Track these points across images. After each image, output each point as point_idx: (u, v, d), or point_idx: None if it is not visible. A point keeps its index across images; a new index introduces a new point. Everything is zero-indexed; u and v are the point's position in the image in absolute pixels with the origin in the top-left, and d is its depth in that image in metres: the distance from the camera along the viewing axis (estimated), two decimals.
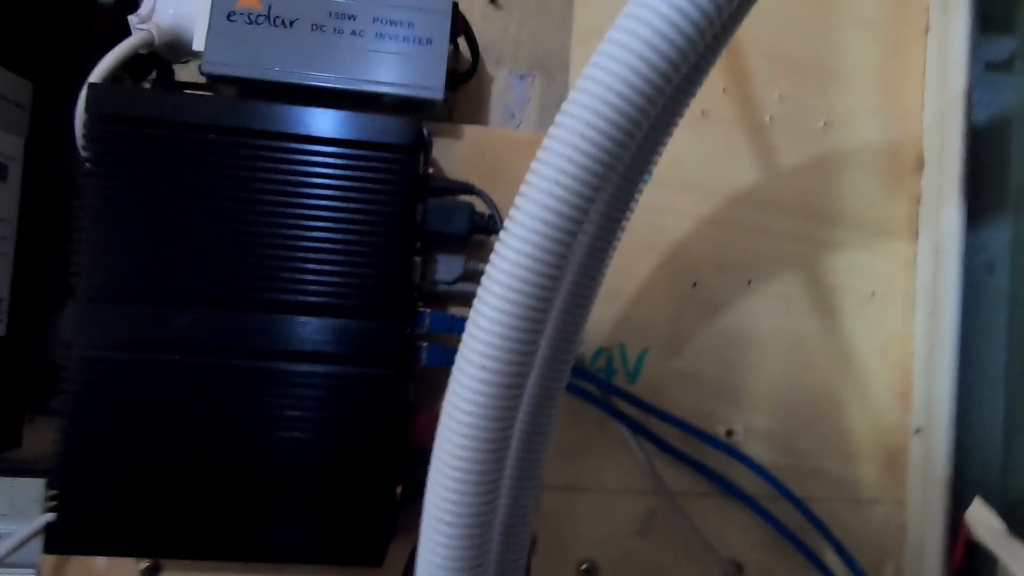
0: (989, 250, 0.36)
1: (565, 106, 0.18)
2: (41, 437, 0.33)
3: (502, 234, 0.19)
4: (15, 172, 0.30)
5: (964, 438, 0.34)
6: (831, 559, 0.34)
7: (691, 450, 0.34)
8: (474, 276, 0.32)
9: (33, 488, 0.32)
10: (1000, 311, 0.35)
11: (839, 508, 0.35)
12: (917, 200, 0.37)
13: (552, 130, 0.18)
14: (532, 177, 0.18)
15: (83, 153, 0.27)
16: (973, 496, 0.32)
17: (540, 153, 0.18)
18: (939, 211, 0.35)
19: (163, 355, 0.26)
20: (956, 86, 0.35)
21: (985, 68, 0.36)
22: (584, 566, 0.34)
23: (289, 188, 0.27)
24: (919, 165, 0.37)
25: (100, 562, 0.33)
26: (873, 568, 0.35)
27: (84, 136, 0.27)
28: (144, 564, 0.31)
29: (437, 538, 0.19)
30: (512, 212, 0.19)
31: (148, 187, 0.27)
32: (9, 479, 0.32)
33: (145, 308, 0.26)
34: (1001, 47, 0.36)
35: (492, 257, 0.19)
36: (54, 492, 0.26)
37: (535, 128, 0.38)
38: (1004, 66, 0.36)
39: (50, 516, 0.26)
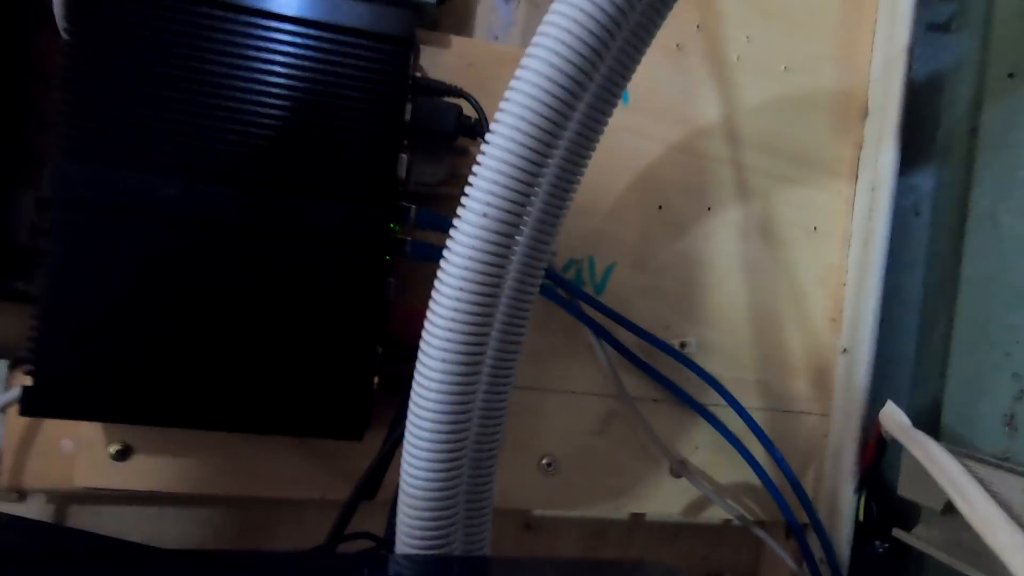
0: (916, 194, 0.40)
1: (547, 18, 0.19)
2: (3, 322, 0.33)
3: (490, 131, 0.20)
4: None
5: (882, 357, 0.38)
6: (764, 463, 0.38)
7: (648, 359, 0.37)
8: (456, 181, 0.34)
9: None
10: (920, 248, 0.40)
11: (775, 418, 0.39)
12: (860, 145, 0.41)
13: (535, 39, 0.19)
14: (519, 76, 0.20)
15: (61, 20, 0.27)
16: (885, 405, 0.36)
17: (525, 60, 0.20)
18: (878, 154, 0.39)
19: (146, 221, 0.26)
20: (901, 41, 0.38)
21: (927, 28, 0.40)
22: (545, 460, 0.36)
23: (280, 68, 0.27)
24: (864, 112, 0.41)
25: (66, 445, 0.33)
26: (799, 471, 0.39)
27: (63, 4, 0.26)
28: (115, 447, 0.31)
29: (420, 433, 0.20)
30: (498, 114, 0.20)
31: (134, 53, 0.26)
32: None
33: (129, 174, 0.26)
34: (941, 11, 0.40)
35: (480, 156, 0.20)
36: (32, 349, 0.26)
37: None
38: (942, 28, 0.40)
39: (26, 383, 0.26)
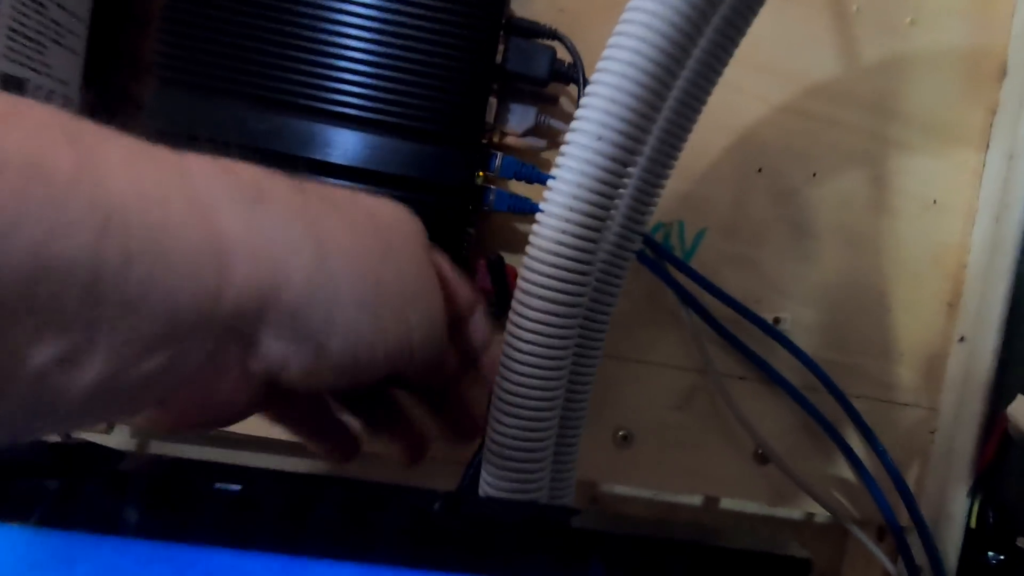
0: None
1: None
2: None
3: (611, 47, 0.18)
4: None
5: (1008, 347, 0.34)
6: (862, 455, 0.35)
7: (737, 333, 0.34)
8: (544, 131, 0.32)
9: None
10: None
11: (873, 407, 0.36)
12: (993, 110, 0.36)
13: None
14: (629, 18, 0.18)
15: None
16: (1008, 403, 0.32)
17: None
18: (1019, 120, 0.34)
19: (239, 155, 0.26)
20: None
21: None
22: (621, 433, 0.34)
23: (375, 2, 0.26)
24: (1001, 73, 0.36)
25: None
26: (900, 468, 0.36)
27: None
28: None
29: (513, 387, 0.19)
30: (616, 36, 0.18)
31: None
32: None
33: (223, 106, 0.26)
34: None
35: (596, 74, 0.18)
36: None
37: None
38: None
39: None
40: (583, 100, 0.18)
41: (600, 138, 0.17)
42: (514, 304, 0.19)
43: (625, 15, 0.18)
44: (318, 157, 0.27)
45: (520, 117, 0.31)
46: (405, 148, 0.27)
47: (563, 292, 0.18)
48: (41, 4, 0.26)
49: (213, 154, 0.25)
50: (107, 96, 0.32)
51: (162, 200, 0.12)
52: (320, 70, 0.26)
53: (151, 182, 0.12)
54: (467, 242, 0.30)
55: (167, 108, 0.26)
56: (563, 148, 0.18)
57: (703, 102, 0.21)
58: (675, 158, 0.21)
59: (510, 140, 0.31)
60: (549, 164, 0.33)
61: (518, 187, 0.31)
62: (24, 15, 0.25)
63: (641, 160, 0.19)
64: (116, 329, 0.12)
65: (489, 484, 0.19)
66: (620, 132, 0.17)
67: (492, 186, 0.30)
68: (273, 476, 0.16)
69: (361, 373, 0.16)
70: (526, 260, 0.19)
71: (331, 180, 0.27)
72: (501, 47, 0.29)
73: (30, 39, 0.26)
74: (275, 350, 0.14)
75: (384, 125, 0.27)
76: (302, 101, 0.26)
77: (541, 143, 0.32)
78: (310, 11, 0.26)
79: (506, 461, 0.19)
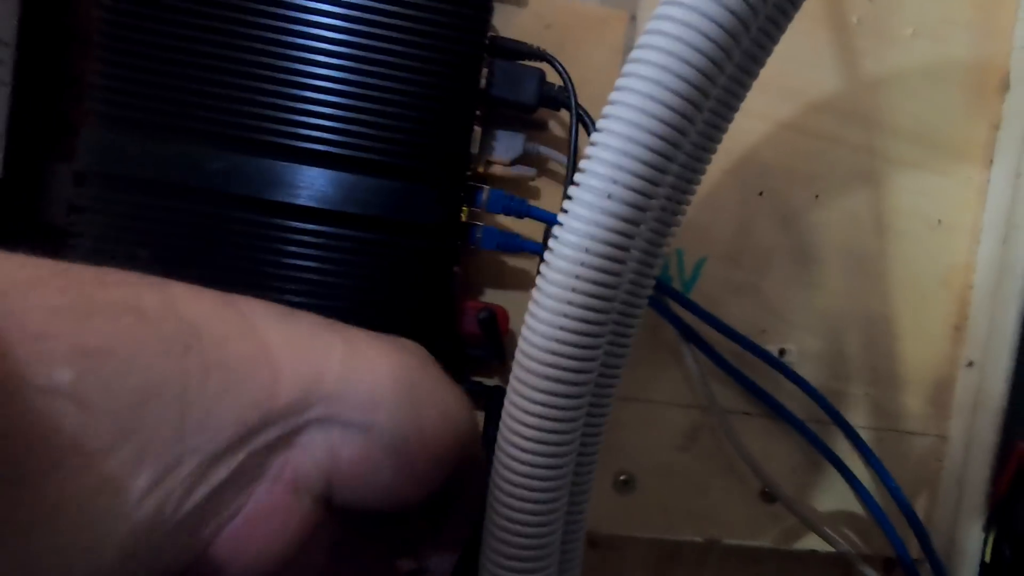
0: None
1: None
2: None
3: (621, 89, 0.16)
4: None
5: (1019, 372, 0.33)
6: (869, 485, 0.33)
7: (740, 367, 0.32)
8: (533, 159, 0.29)
9: None
10: None
11: (880, 438, 0.34)
12: (996, 125, 0.35)
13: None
14: (662, 27, 0.15)
15: None
16: (1022, 430, 0.31)
17: (666, 9, 0.15)
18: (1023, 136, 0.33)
19: (190, 201, 0.23)
20: None
21: None
22: (622, 477, 0.32)
23: (340, 23, 0.23)
24: (1003, 87, 0.35)
25: None
26: (908, 499, 0.34)
27: None
28: None
29: (517, 460, 0.17)
30: (630, 69, 0.15)
31: (176, 9, 0.23)
32: None
33: (171, 145, 0.23)
34: None
35: (603, 120, 0.16)
36: None
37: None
38: None
39: None
40: (589, 150, 0.16)
41: (610, 196, 0.15)
42: (517, 360, 0.17)
43: (640, 48, 0.16)
44: (283, 199, 0.24)
45: (507, 145, 0.28)
46: (382, 187, 0.24)
47: (576, 345, 0.16)
48: None
49: (163, 197, 0.23)
50: (42, 124, 0.29)
51: (222, 320, 0.14)
52: (284, 102, 0.23)
53: (210, 307, 0.14)
54: (453, 283, 0.28)
55: (105, 148, 0.23)
56: (566, 205, 0.16)
57: (720, 140, 0.19)
58: (689, 201, 0.19)
59: (496, 170, 0.29)
60: (539, 192, 0.31)
61: (508, 221, 0.29)
62: None
63: (653, 210, 0.17)
64: (198, 443, 0.13)
65: (489, 571, 0.17)
66: (632, 188, 0.15)
67: (479, 223, 0.27)
68: None
69: (419, 464, 0.16)
70: (531, 309, 0.16)
71: (299, 224, 0.24)
72: (484, 70, 0.26)
73: None
74: (322, 439, 0.14)
75: (357, 162, 0.24)
76: (263, 137, 0.23)
77: (530, 172, 0.29)
78: (271, 35, 0.23)
79: (511, 550, 0.17)
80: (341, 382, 0.15)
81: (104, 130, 0.23)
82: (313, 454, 0.14)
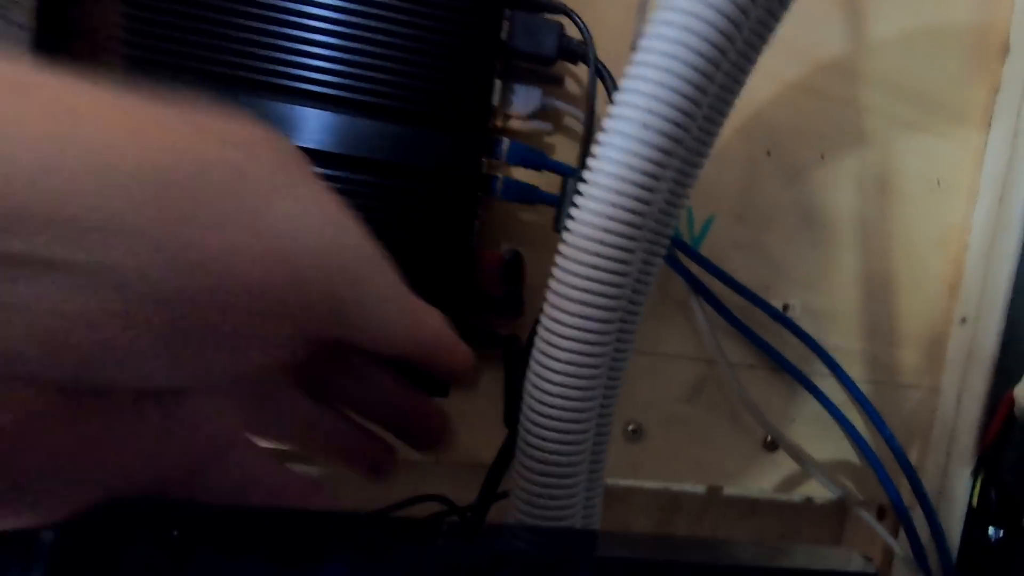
0: None
1: None
2: None
3: (643, 50, 0.16)
4: None
5: (1012, 327, 0.34)
6: (865, 433, 0.35)
7: (746, 320, 0.33)
8: (549, 114, 0.30)
9: None
10: None
11: (877, 391, 0.36)
12: (995, 89, 0.36)
13: None
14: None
15: None
16: (1011, 383, 0.32)
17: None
18: (1022, 98, 0.34)
19: None
20: None
21: None
22: (631, 427, 0.33)
23: None
24: (1004, 50, 0.35)
25: None
26: (902, 447, 0.36)
27: None
28: None
29: (547, 397, 0.17)
30: (661, 13, 0.16)
31: None
32: None
33: (195, 88, 0.23)
34: None
35: (638, 56, 0.16)
36: None
37: None
38: None
39: None
40: (625, 83, 0.16)
41: (646, 125, 0.16)
42: (547, 309, 0.17)
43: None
44: (310, 145, 0.24)
45: (525, 99, 0.29)
46: (405, 134, 0.25)
47: (604, 295, 0.17)
48: None
49: None
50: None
51: None
52: (314, 49, 0.24)
53: None
54: (473, 233, 0.28)
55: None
56: (601, 137, 0.17)
57: (744, 84, 0.19)
58: (712, 144, 0.20)
59: (514, 124, 0.29)
60: (554, 149, 0.31)
61: (524, 174, 0.29)
62: None
63: (682, 149, 0.18)
64: None
65: (522, 511, 0.18)
66: (668, 118, 0.16)
67: (498, 174, 0.28)
68: (263, 514, 0.14)
69: (209, 323, 0.10)
70: (561, 262, 0.17)
71: (325, 170, 0.24)
72: (505, 22, 0.26)
73: None
74: (25, 297, 0.08)
75: (382, 109, 0.24)
76: (286, 82, 0.24)
77: (547, 126, 0.30)
78: None
79: (540, 487, 0.18)
80: (42, 189, 0.08)
81: (132, 74, 0.23)
82: (15, 325, 0.09)
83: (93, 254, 0.09)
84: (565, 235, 0.17)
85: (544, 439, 0.17)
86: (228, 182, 0.10)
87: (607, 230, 0.16)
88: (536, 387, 0.18)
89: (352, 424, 0.18)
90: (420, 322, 0.15)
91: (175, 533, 0.12)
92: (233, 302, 0.10)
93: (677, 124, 0.16)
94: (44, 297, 0.09)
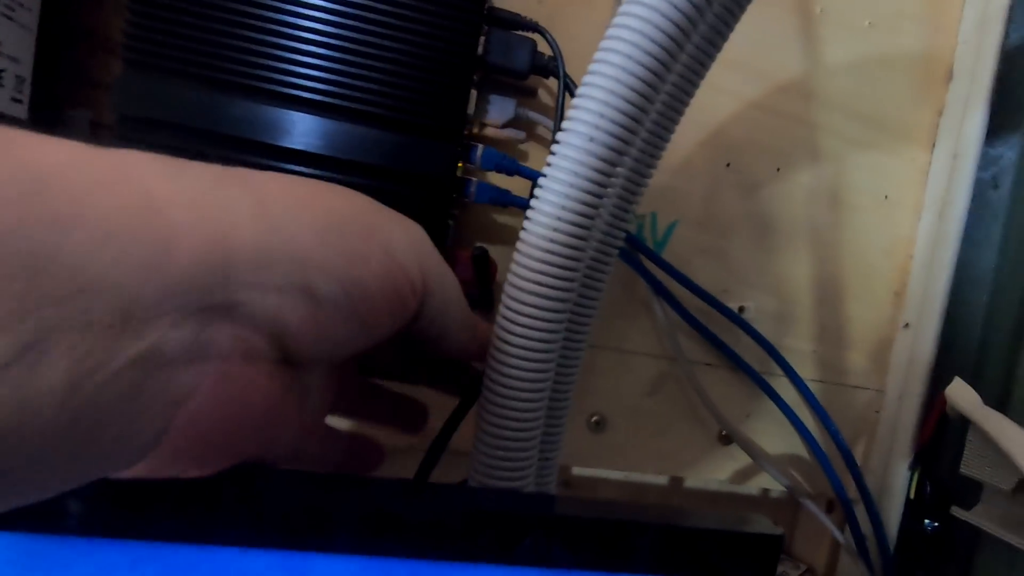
0: (997, 166, 0.38)
1: None
2: None
3: (604, 48, 0.18)
4: None
5: (947, 334, 0.37)
6: (815, 433, 0.37)
7: (705, 321, 0.36)
8: (522, 123, 0.32)
9: None
10: (997, 223, 0.38)
11: (827, 390, 0.38)
12: (940, 111, 0.38)
13: None
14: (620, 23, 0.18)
15: None
16: (947, 384, 0.35)
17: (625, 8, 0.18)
18: (963, 120, 0.37)
19: (209, 145, 0.25)
20: (999, 0, 0.36)
21: None
22: (595, 418, 0.35)
23: None
24: (948, 77, 0.38)
25: None
26: (849, 445, 0.38)
27: None
28: None
29: (506, 379, 0.19)
30: (609, 37, 0.18)
31: None
32: None
33: (194, 92, 0.25)
34: None
35: (588, 76, 0.18)
36: None
37: None
38: None
39: None
40: (575, 100, 0.18)
41: (592, 139, 0.18)
42: (504, 299, 0.20)
43: (619, 16, 0.19)
44: (298, 146, 0.26)
45: (500, 109, 0.31)
46: (388, 139, 0.27)
47: (553, 288, 0.19)
48: None
49: (183, 140, 0.24)
50: (60, 73, 0.30)
51: (84, 169, 0.11)
52: (301, 57, 0.26)
53: (67, 156, 0.11)
54: (448, 233, 0.30)
55: (133, 91, 0.25)
56: (555, 148, 0.19)
57: (688, 102, 0.21)
58: (659, 156, 0.22)
59: (489, 132, 0.31)
60: (527, 156, 0.34)
61: (497, 179, 0.32)
62: None
63: (628, 160, 0.20)
64: (66, 316, 0.10)
65: (479, 472, 0.20)
66: (612, 134, 0.18)
67: (473, 178, 0.30)
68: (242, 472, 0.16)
69: (367, 314, 0.15)
70: (517, 256, 0.19)
71: (310, 170, 0.26)
72: (482, 38, 0.28)
73: None
74: (262, 307, 0.13)
75: (367, 115, 0.26)
76: (280, 88, 0.26)
77: (520, 135, 0.32)
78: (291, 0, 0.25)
79: (496, 451, 0.20)
80: (259, 243, 0.13)
81: (133, 75, 0.25)
82: (256, 323, 0.13)
83: (307, 280, 0.14)
84: (521, 233, 0.19)
85: (503, 407, 0.19)
86: (364, 228, 0.16)
87: (556, 229, 0.18)
88: (494, 369, 0.20)
89: (389, 392, 0.24)
90: (475, 321, 0.20)
91: None
92: (373, 302, 0.15)
93: (621, 139, 0.18)
94: (298, 306, 0.14)
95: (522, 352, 0.19)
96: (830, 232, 0.38)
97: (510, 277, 0.20)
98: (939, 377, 0.36)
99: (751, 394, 0.37)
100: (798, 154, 0.37)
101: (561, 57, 0.29)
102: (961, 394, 0.32)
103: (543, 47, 0.30)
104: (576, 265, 0.19)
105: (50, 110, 0.29)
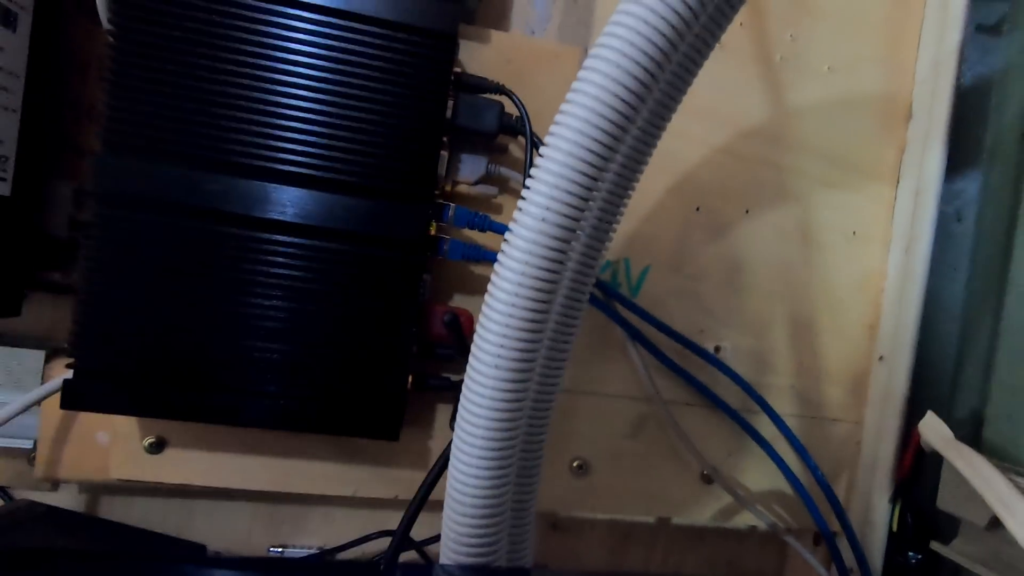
0: (960, 199, 0.39)
1: (615, 17, 0.19)
2: (39, 313, 0.33)
3: (552, 132, 0.19)
4: (24, 22, 0.28)
5: (921, 365, 0.38)
6: (796, 469, 0.38)
7: (682, 363, 0.36)
8: (494, 179, 0.33)
9: (32, 359, 0.31)
10: (963, 255, 0.39)
11: (806, 425, 0.39)
12: (902, 148, 0.40)
13: (603, 38, 0.19)
14: (587, 75, 0.19)
15: (105, 14, 0.26)
16: (922, 416, 0.36)
17: (592, 57, 0.19)
18: (923, 157, 0.38)
19: (188, 219, 0.26)
20: (951, 42, 0.37)
21: (976, 30, 0.39)
22: (577, 463, 0.36)
23: (325, 63, 0.27)
24: (908, 115, 0.40)
25: (101, 437, 0.33)
26: (830, 479, 0.39)
27: None
28: (150, 440, 0.31)
29: (472, 440, 0.20)
30: (560, 115, 0.19)
31: (177, 46, 0.26)
32: (8, 348, 0.31)
33: (171, 168, 0.26)
34: (992, 11, 0.39)
35: (539, 158, 0.19)
36: (73, 343, 0.26)
37: None
38: (992, 30, 0.39)
39: (66, 375, 0.26)
40: (528, 181, 0.19)
41: (544, 219, 0.19)
42: (473, 353, 0.20)
43: (573, 91, 0.19)
44: (275, 217, 0.27)
45: (471, 167, 0.32)
46: (361, 206, 0.27)
47: (521, 339, 0.19)
48: None
49: (162, 214, 0.25)
50: (46, 144, 0.31)
51: None
52: (277, 131, 0.27)
53: None
54: (423, 289, 0.31)
55: (114, 171, 0.26)
56: (511, 226, 0.20)
57: (645, 163, 0.22)
58: (620, 214, 0.23)
59: (462, 189, 0.32)
60: (500, 208, 0.34)
61: (472, 234, 0.32)
62: None
63: (586, 225, 0.21)
64: None
65: (449, 548, 0.20)
66: (562, 214, 0.19)
67: (446, 236, 0.31)
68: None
69: None
70: (484, 308, 0.20)
71: (287, 238, 0.27)
72: (451, 103, 0.30)
73: None
74: None
75: (339, 184, 0.27)
76: (257, 163, 0.27)
77: (493, 190, 0.33)
78: (261, 73, 0.26)
79: (467, 509, 0.20)
80: None
81: (111, 154, 0.26)
82: None
83: None
84: (486, 296, 0.20)
85: (465, 482, 0.20)
86: None
87: (518, 295, 0.19)
88: (459, 436, 0.20)
89: None
90: None
91: None
92: None
93: (573, 217, 0.19)
94: None
95: (490, 412, 0.20)
96: (801, 270, 0.38)
97: (478, 330, 0.20)
98: (915, 409, 0.37)
99: (731, 432, 0.38)
100: (766, 195, 0.38)
101: (528, 117, 0.31)
102: (933, 428, 0.33)
103: (510, 107, 0.31)
104: (543, 318, 0.19)
105: (33, 182, 0.30)
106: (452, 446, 0.21)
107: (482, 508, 0.20)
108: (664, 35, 0.18)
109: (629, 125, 0.19)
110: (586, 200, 0.19)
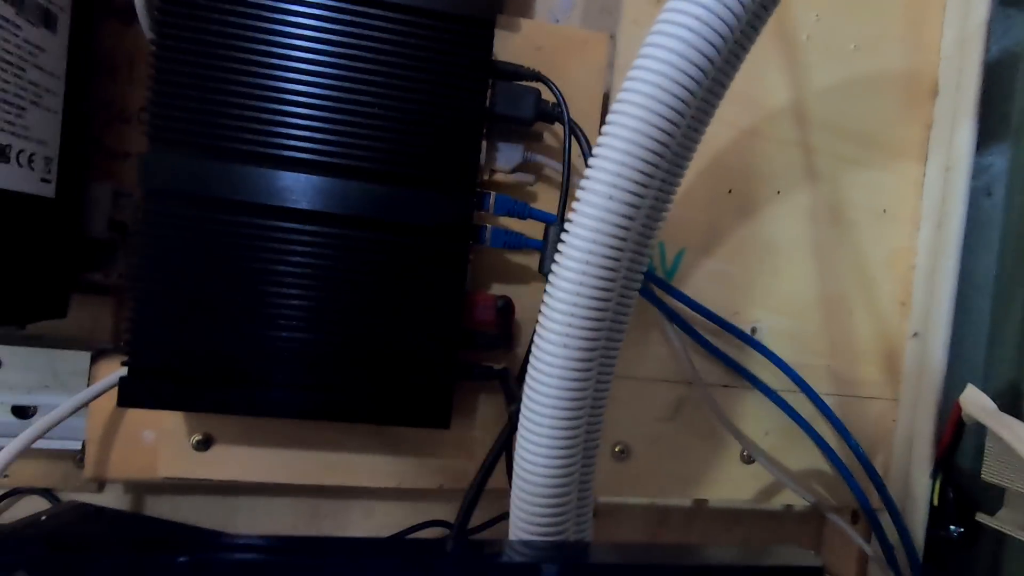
0: (988, 175, 0.39)
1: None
2: (80, 314, 0.33)
3: (616, 111, 0.19)
4: (63, 23, 0.28)
5: (953, 341, 0.38)
6: (834, 444, 0.38)
7: (718, 344, 0.36)
8: (530, 167, 0.33)
9: (78, 360, 0.31)
10: (994, 230, 0.39)
11: (841, 403, 0.39)
12: (928, 125, 0.40)
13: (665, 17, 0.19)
14: (652, 52, 0.19)
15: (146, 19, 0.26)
16: (960, 390, 0.36)
17: (655, 38, 0.19)
18: (952, 134, 0.38)
19: (236, 214, 0.26)
20: (978, 16, 0.37)
21: (1000, 3, 0.39)
22: (618, 447, 0.36)
23: (365, 53, 0.27)
24: (933, 92, 0.40)
25: (148, 436, 0.33)
26: (868, 456, 0.39)
27: None
28: (197, 437, 0.31)
29: (541, 421, 0.20)
30: (624, 93, 0.19)
31: (220, 43, 0.26)
32: (55, 350, 0.31)
33: (217, 164, 0.26)
34: None
35: (603, 137, 0.19)
36: (129, 341, 0.26)
37: None
38: (1016, 2, 0.39)
39: (120, 373, 0.26)
40: (591, 160, 0.19)
41: (611, 197, 0.19)
42: (537, 342, 0.20)
43: (636, 67, 0.19)
44: (322, 209, 0.27)
45: (508, 155, 0.32)
46: (407, 195, 0.28)
47: (585, 328, 0.20)
48: (20, 68, 0.25)
49: (212, 212, 0.25)
50: (82, 146, 0.31)
51: None
52: (320, 124, 0.27)
53: None
54: (466, 279, 0.31)
55: (161, 167, 0.26)
56: (575, 206, 0.20)
57: (698, 142, 0.23)
58: (674, 193, 0.23)
59: (499, 177, 0.32)
60: (536, 196, 0.35)
61: (510, 222, 0.33)
62: (4, 81, 0.25)
63: (646, 204, 0.21)
64: None
65: (519, 528, 0.20)
66: (629, 191, 0.19)
67: (487, 224, 0.31)
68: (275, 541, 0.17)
69: None
70: (547, 299, 0.20)
71: (337, 230, 0.27)
72: (489, 92, 0.30)
73: (10, 104, 0.25)
74: None
75: (387, 174, 0.27)
76: (303, 155, 0.27)
77: (529, 178, 0.33)
78: (302, 67, 0.27)
79: (534, 507, 0.20)
80: None
81: (159, 152, 0.26)
82: None
83: None
84: (551, 278, 0.20)
85: (536, 463, 0.20)
86: None
87: (586, 273, 0.19)
88: (528, 418, 0.20)
89: None
90: None
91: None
92: None
93: (638, 195, 0.19)
94: None
95: (557, 402, 0.20)
96: (832, 248, 0.39)
97: (542, 321, 0.20)
98: (951, 384, 0.37)
99: (769, 412, 0.38)
100: (795, 176, 0.38)
101: (565, 104, 0.31)
102: (975, 401, 0.33)
103: (547, 94, 0.31)
104: (606, 306, 0.19)
105: (75, 184, 0.30)
106: (520, 428, 0.21)
107: (553, 488, 0.20)
108: (731, 9, 0.18)
109: (693, 100, 0.19)
110: (651, 177, 0.19)
